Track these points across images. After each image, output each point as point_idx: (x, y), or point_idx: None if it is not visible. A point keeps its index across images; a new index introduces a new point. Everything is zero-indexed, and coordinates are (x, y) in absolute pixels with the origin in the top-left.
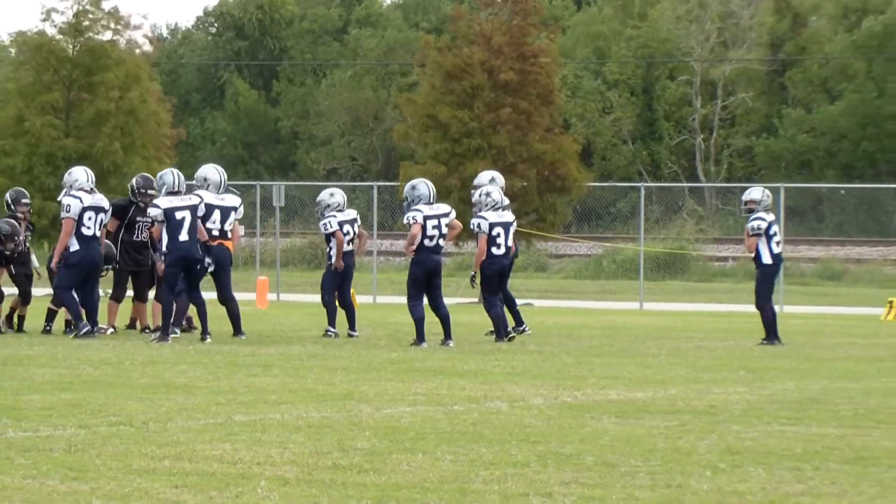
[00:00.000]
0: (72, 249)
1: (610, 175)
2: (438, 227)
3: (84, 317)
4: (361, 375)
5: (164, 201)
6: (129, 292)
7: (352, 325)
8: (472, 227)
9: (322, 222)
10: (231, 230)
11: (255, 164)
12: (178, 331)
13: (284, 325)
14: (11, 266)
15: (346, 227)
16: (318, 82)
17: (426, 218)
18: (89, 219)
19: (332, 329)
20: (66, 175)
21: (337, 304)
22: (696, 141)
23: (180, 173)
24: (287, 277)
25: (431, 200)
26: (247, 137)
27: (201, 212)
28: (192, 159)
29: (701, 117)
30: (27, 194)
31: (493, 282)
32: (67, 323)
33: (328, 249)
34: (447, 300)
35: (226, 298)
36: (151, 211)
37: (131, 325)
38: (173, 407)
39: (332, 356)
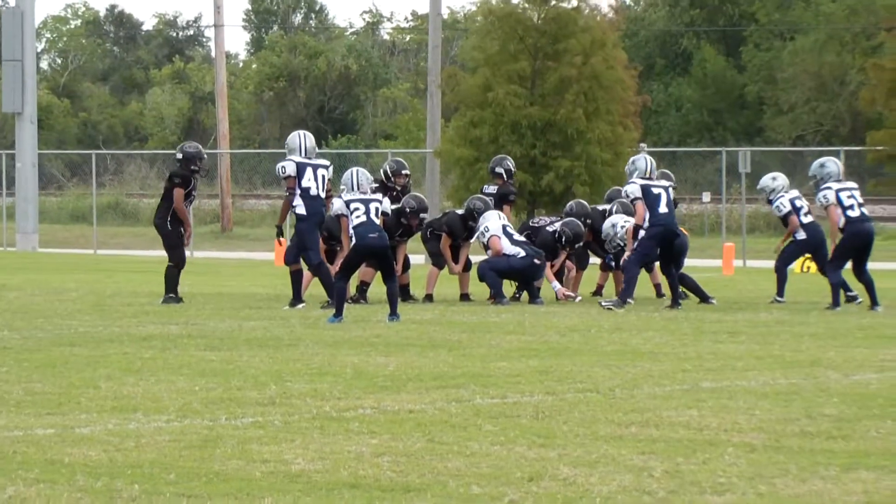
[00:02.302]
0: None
1: None
2: (853, 197)
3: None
4: (828, 342)
5: (640, 181)
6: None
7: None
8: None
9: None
10: None
11: (721, 129)
12: (632, 300)
13: (751, 292)
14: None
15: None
16: (784, 47)
17: (839, 191)
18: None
19: (779, 298)
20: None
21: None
22: None
23: (653, 160)
24: (753, 244)
25: (840, 178)
26: (713, 103)
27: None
28: (657, 125)
29: None
30: (406, 165)
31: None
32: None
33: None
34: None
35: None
36: (629, 188)
37: (597, 292)
38: (640, 373)
39: (798, 322)
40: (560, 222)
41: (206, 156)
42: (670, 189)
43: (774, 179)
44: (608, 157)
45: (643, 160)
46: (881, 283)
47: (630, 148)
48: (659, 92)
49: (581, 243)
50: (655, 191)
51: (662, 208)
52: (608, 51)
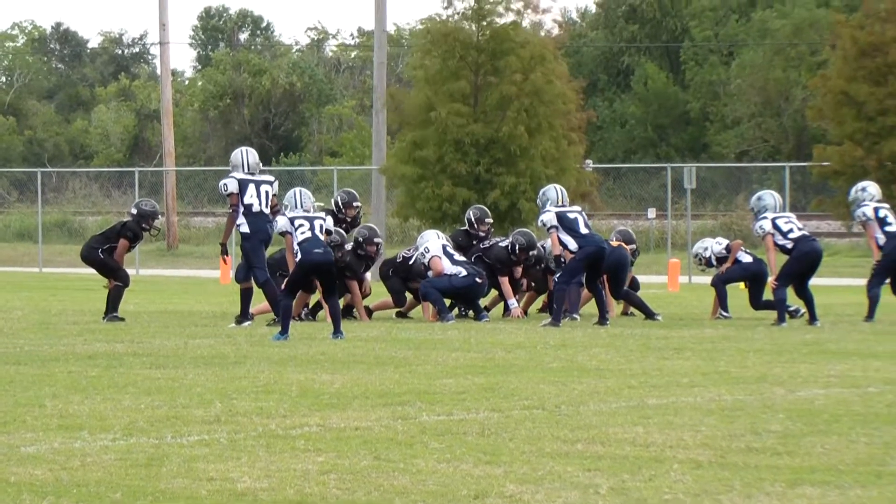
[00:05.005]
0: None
1: None
2: (791, 221)
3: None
4: (774, 358)
5: (555, 209)
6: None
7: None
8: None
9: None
10: None
11: (666, 146)
12: (577, 317)
13: (696, 308)
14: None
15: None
16: (726, 63)
17: (775, 219)
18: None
19: (724, 313)
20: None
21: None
22: None
23: (563, 189)
24: None
25: (777, 210)
26: (657, 119)
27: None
28: (601, 141)
29: None
30: (357, 196)
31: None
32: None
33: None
34: None
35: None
36: (544, 217)
37: (543, 310)
38: (585, 390)
39: (744, 339)
40: (511, 234)
41: (160, 215)
42: (584, 212)
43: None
44: (552, 173)
45: (553, 190)
46: (824, 298)
47: (577, 165)
48: (603, 108)
49: (535, 251)
50: (571, 215)
51: (583, 229)
52: (548, 65)
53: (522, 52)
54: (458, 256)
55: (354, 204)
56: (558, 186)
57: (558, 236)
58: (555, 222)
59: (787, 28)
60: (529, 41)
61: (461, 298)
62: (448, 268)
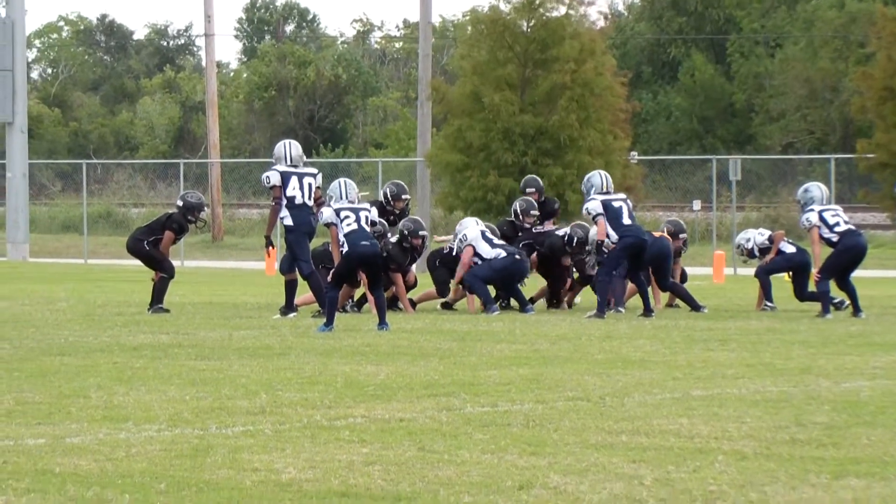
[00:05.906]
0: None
1: None
2: (838, 215)
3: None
4: (819, 349)
5: (600, 197)
6: None
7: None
8: None
9: None
10: None
11: (711, 138)
12: (622, 309)
13: (741, 300)
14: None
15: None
16: (771, 55)
17: (822, 212)
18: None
19: (769, 304)
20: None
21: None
22: None
23: (608, 175)
24: None
25: (823, 202)
26: (702, 111)
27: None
28: (646, 134)
29: None
30: (406, 189)
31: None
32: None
33: None
34: None
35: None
36: (590, 205)
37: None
38: (630, 382)
39: (789, 330)
40: (570, 226)
41: (206, 207)
42: (629, 201)
43: None
44: (599, 165)
45: (598, 176)
46: (869, 290)
47: (621, 157)
48: (648, 100)
49: (590, 246)
50: (616, 204)
51: (626, 220)
52: (598, 58)
53: (573, 44)
54: (497, 240)
55: (403, 196)
56: (603, 172)
57: (605, 223)
58: (601, 210)
59: (842, 19)
60: (579, 33)
61: (505, 282)
62: (487, 252)
